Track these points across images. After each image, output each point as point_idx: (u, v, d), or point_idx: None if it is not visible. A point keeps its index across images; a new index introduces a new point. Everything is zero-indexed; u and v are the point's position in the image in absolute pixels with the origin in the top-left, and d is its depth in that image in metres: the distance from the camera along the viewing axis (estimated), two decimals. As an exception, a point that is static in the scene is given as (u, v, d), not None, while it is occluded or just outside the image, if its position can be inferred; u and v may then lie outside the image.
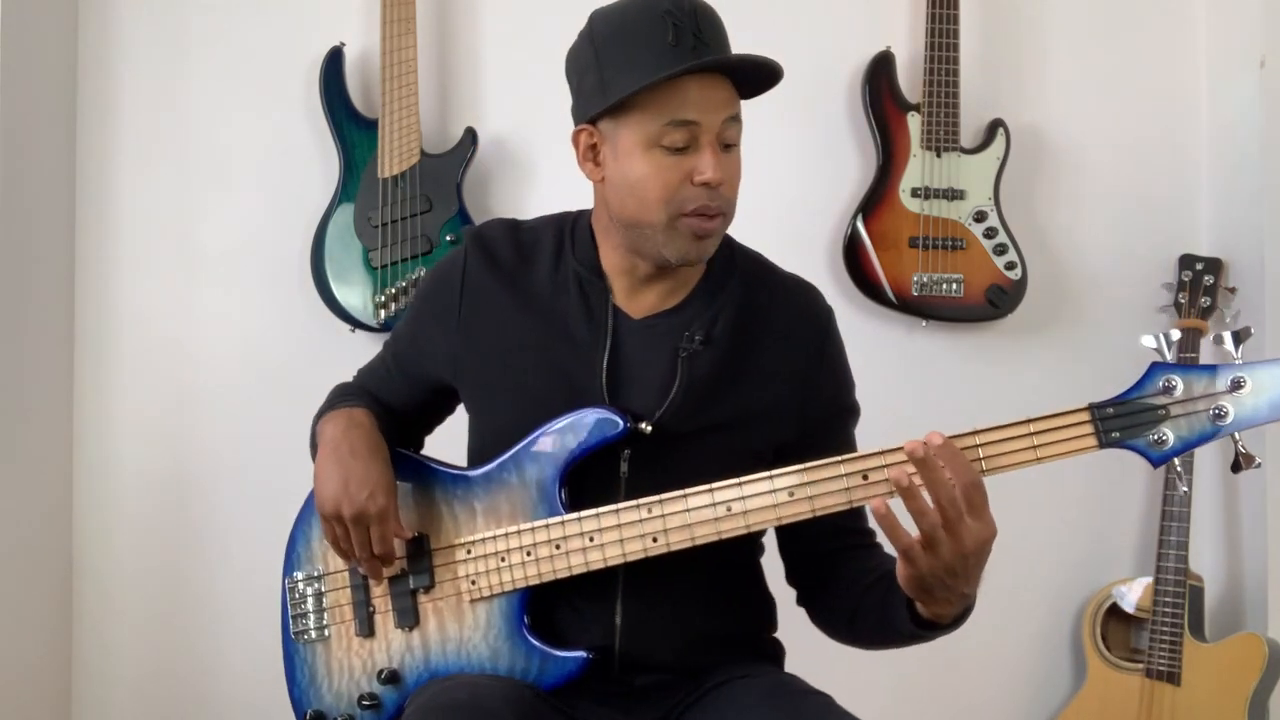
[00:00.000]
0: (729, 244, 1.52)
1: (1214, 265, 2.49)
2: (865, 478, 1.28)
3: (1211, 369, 1.25)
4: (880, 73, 2.53)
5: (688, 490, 1.33)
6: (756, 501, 1.32)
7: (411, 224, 2.39)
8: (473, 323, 1.48)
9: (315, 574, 1.53)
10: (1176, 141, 2.66)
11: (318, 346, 2.47)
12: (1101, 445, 1.25)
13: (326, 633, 1.51)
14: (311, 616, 1.52)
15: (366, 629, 1.48)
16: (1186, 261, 2.50)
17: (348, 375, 1.70)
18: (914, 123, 2.51)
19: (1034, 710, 2.61)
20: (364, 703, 1.48)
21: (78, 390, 2.52)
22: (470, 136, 2.45)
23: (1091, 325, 2.62)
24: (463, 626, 1.43)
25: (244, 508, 2.47)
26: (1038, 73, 2.65)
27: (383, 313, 2.39)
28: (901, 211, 2.49)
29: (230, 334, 2.52)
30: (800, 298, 1.52)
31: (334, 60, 2.46)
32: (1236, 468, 1.27)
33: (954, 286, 2.48)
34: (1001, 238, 2.49)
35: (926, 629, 1.30)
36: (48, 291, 2.46)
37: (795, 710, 1.33)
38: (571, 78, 1.43)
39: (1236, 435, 1.26)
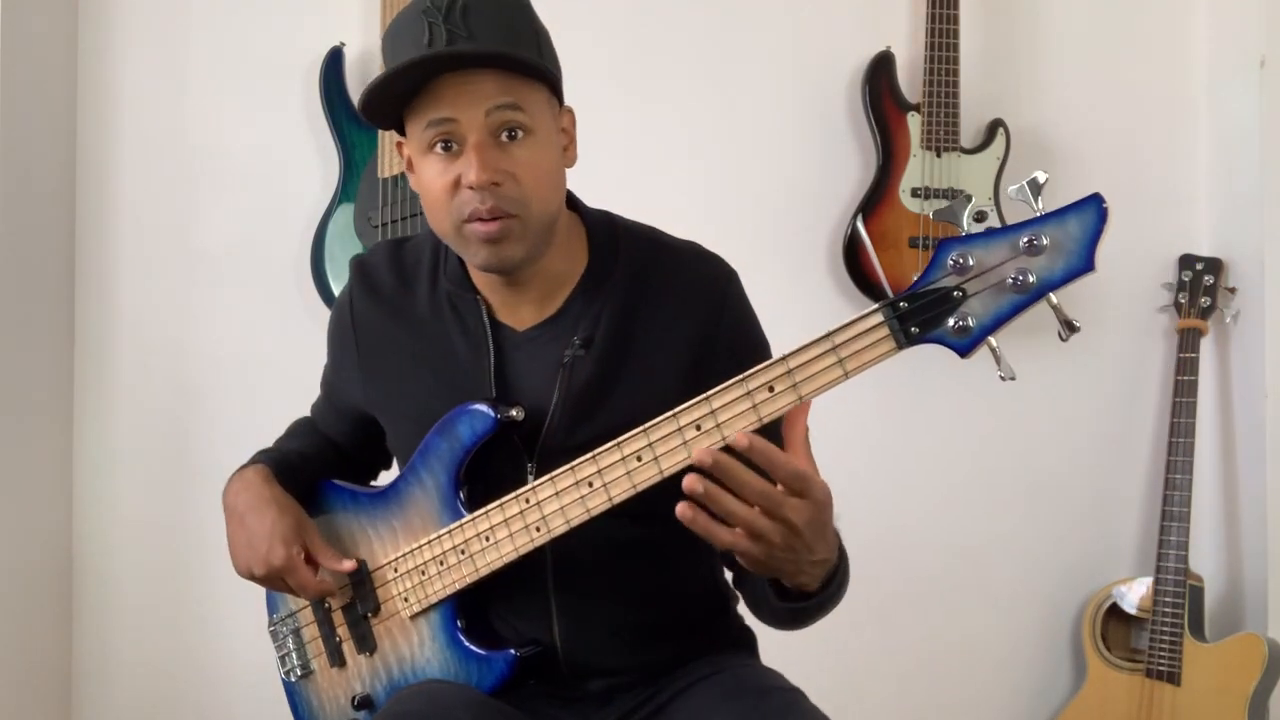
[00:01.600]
0: (611, 224, 1.42)
1: (1214, 265, 2.49)
2: (699, 428, 1.17)
3: (1005, 231, 1.09)
4: (880, 73, 2.53)
5: (553, 473, 1.27)
6: (612, 473, 1.22)
7: (411, 224, 2.39)
8: (370, 356, 1.47)
9: (290, 613, 1.55)
10: (1176, 141, 2.66)
11: (318, 346, 2.45)
12: (901, 345, 1.11)
13: (311, 667, 1.53)
14: (294, 654, 1.54)
15: (338, 659, 1.49)
16: (1186, 261, 2.50)
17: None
18: (914, 123, 2.51)
19: (1034, 710, 2.61)
20: None
21: (78, 390, 2.52)
22: (470, 136, 2.45)
23: (1091, 325, 2.58)
24: (411, 643, 1.44)
25: (244, 508, 2.47)
26: (1038, 73, 2.65)
27: (383, 313, 2.39)
28: (902, 211, 2.49)
29: (230, 334, 2.52)
30: (693, 266, 1.40)
31: (334, 60, 2.46)
32: (1062, 336, 1.11)
33: (954, 286, 2.48)
34: (1001, 238, 2.49)
35: (799, 600, 1.23)
36: (48, 291, 2.46)
37: (758, 709, 1.29)
38: None
39: (1053, 299, 1.09)
